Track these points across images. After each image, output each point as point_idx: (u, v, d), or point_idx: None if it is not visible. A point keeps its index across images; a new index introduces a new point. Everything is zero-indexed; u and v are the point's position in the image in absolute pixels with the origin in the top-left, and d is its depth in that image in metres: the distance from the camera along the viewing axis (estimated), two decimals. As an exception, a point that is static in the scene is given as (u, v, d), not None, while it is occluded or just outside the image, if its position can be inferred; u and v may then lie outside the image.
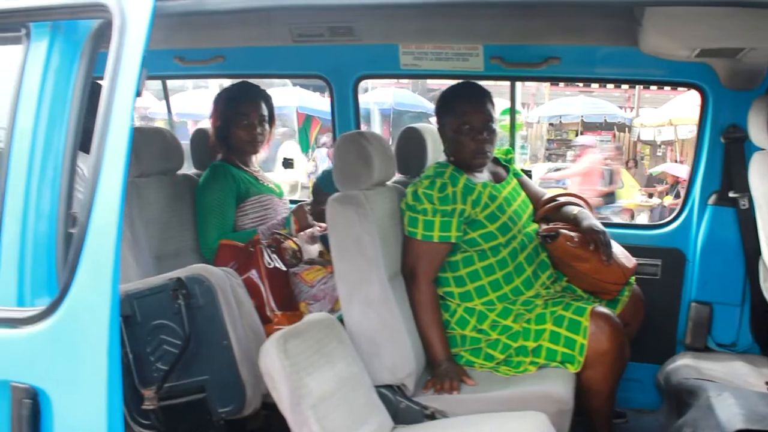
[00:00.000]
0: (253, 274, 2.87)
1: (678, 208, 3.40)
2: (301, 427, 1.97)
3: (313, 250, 3.19)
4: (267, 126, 3.29)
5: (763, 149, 2.58)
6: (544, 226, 2.95)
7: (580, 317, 2.63)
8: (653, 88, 15.17)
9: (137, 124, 7.12)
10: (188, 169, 3.39)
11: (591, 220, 2.92)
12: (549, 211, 3.06)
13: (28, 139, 1.65)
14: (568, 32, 3.06)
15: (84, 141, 1.64)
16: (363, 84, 3.87)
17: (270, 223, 3.17)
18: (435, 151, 3.08)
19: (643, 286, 3.14)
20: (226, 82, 4.58)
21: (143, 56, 1.53)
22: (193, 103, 12.63)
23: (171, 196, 3.08)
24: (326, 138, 12.37)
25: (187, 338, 2.36)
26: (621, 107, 17.43)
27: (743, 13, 2.03)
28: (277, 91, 13.91)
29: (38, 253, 1.65)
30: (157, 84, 4.72)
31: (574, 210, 3.00)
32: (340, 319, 2.55)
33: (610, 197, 10.54)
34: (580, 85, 14.25)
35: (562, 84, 14.35)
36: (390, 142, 3.35)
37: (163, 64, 3.67)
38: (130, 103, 1.53)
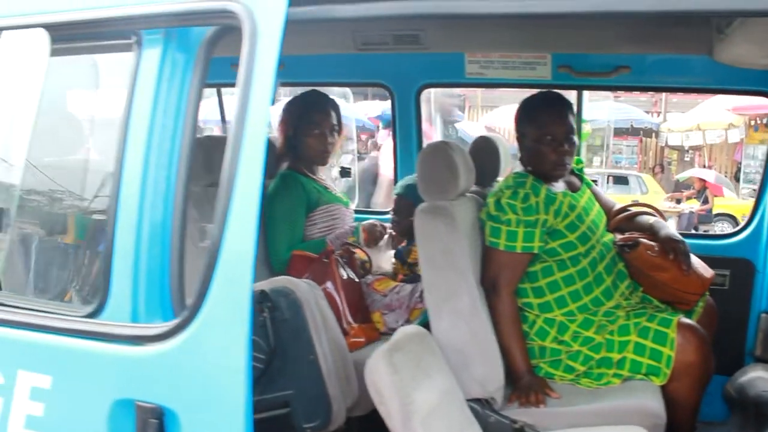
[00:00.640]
0: (329, 285, 2.84)
1: (747, 217, 3.36)
2: None
3: (384, 261, 3.17)
4: (336, 135, 3.27)
5: None
6: (620, 236, 2.92)
7: (666, 329, 2.59)
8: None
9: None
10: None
11: (668, 229, 2.89)
12: (622, 220, 3.03)
13: (141, 148, 1.60)
14: (640, 41, 3.03)
15: None
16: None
17: (338, 232, 3.15)
18: (505, 161, 3.06)
19: (711, 297, 3.10)
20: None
21: (277, 64, 1.46)
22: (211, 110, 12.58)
23: None
24: (351, 144, 12.34)
25: (272, 352, 2.33)
26: (648, 112, 17.35)
27: None
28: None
29: (152, 267, 1.60)
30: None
31: (649, 219, 2.96)
32: None
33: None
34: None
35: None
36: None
37: (219, 71, 3.65)
38: (264, 113, 1.46)
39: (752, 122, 15.02)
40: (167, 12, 1.59)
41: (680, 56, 3.16)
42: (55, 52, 1.64)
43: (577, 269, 2.72)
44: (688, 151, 16.43)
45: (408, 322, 2.90)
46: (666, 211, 11.73)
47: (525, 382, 2.60)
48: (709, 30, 2.68)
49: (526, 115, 2.82)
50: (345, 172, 4.41)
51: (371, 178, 7.72)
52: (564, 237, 2.71)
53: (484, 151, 3.06)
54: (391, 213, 3.41)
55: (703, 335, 2.62)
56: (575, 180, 2.99)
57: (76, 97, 2.18)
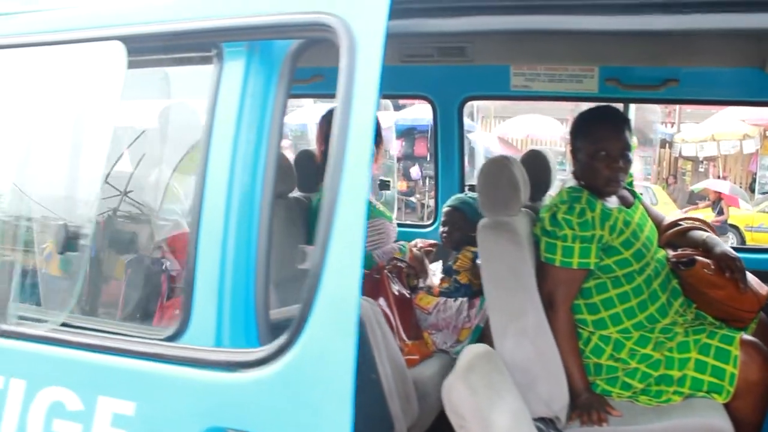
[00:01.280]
0: (382, 302, 2.81)
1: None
2: None
3: (432, 277, 3.14)
4: (374, 148, 3.23)
5: None
6: (673, 252, 2.88)
7: (729, 346, 2.55)
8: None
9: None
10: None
11: (723, 246, 2.85)
12: (674, 236, 2.99)
13: (225, 164, 1.55)
14: (690, 54, 3.00)
15: None
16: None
17: (385, 248, 3.12)
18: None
19: (764, 313, 3.05)
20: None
21: (380, 79, 1.39)
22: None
23: (285, 220, 3.04)
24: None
25: None
26: (662, 122, 17.30)
27: None
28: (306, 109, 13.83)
29: (237, 288, 1.56)
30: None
31: (702, 235, 2.92)
32: (458, 353, 2.49)
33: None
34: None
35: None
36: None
37: None
38: (368, 129, 1.40)
39: (767, 133, 14.98)
40: (253, 24, 1.55)
41: (731, 69, 3.12)
42: (132, 65, 1.62)
43: (632, 286, 2.68)
44: (702, 161, 16.38)
45: (458, 342, 2.86)
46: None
47: (584, 400, 2.56)
48: (762, 43, 2.65)
49: (580, 129, 2.78)
50: (384, 185, 4.38)
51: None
52: (619, 254, 2.67)
53: (535, 165, 3.03)
54: (441, 225, 3.38)
55: (766, 353, 2.57)
56: (628, 195, 2.95)
57: (151, 109, 2.14)
